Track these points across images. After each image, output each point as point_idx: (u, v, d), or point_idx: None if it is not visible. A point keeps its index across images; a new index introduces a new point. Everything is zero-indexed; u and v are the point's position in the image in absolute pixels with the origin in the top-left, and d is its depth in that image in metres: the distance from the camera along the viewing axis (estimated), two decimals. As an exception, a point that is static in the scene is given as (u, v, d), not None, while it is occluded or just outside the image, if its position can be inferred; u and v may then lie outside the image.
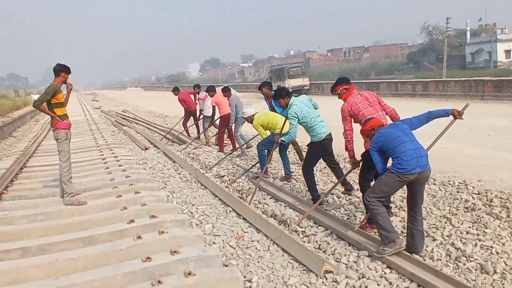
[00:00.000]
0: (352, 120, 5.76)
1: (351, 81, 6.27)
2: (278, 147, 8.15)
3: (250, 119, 8.73)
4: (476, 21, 76.61)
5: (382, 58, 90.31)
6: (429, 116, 5.05)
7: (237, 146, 11.29)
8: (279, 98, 6.97)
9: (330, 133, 6.66)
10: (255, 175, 8.38)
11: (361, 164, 5.58)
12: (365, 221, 5.37)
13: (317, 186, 6.91)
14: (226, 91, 11.54)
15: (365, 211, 5.60)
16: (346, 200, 6.69)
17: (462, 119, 5.12)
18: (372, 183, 5.46)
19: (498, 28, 75.90)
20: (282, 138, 7.01)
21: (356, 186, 6.74)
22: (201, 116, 13.48)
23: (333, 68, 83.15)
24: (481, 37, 65.62)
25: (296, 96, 7.19)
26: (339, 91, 6.02)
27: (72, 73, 6.83)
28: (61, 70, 6.59)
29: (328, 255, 4.97)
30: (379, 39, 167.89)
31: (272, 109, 9.28)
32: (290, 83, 34.14)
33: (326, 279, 4.38)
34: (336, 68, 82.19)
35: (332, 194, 7.03)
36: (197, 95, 13.84)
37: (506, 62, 59.02)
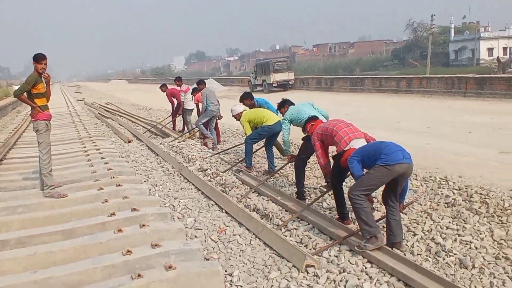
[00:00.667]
0: (325, 145, 5.82)
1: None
2: (265, 140, 8.24)
3: (238, 117, 8.68)
4: (460, 19, 77.45)
5: (367, 54, 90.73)
6: None
7: (205, 135, 11.70)
8: (280, 108, 7.57)
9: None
10: (239, 169, 8.37)
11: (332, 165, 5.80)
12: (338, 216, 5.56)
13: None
14: (200, 84, 11.98)
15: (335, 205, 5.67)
16: (328, 194, 6.70)
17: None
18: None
19: (481, 26, 76.84)
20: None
21: (316, 191, 6.98)
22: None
23: (319, 63, 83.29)
24: (464, 34, 66.36)
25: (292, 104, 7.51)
26: (307, 129, 6.21)
27: (55, 64, 6.68)
28: (33, 60, 6.41)
29: (310, 249, 4.98)
30: (365, 35, 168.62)
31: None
32: (275, 78, 34.07)
33: (308, 273, 4.39)
34: (321, 63, 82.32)
35: (315, 188, 7.07)
36: (178, 87, 13.87)
37: (488, 60, 59.80)
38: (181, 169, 8.91)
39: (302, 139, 6.74)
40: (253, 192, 7.16)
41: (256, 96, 9.70)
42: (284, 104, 7.52)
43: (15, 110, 29.61)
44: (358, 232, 4.91)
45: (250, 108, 9.12)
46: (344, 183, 5.64)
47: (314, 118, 6.32)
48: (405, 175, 4.66)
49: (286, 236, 5.42)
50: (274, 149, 8.57)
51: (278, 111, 7.79)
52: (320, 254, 4.79)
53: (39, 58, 6.39)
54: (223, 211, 6.46)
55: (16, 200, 6.58)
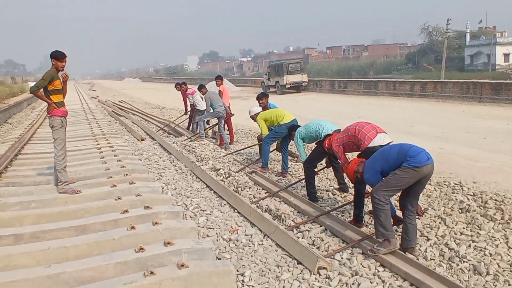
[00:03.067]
0: (347, 149, 5.86)
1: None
2: (280, 141, 8.28)
3: (255, 117, 8.77)
4: (476, 24, 76.69)
5: (381, 57, 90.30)
6: None
7: (200, 132, 12.03)
8: (259, 100, 8.17)
9: (339, 129, 6.62)
10: (253, 170, 8.36)
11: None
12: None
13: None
14: (202, 88, 12.00)
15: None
16: (341, 197, 6.68)
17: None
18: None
19: (498, 31, 76.13)
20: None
21: (329, 194, 6.95)
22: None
23: (332, 65, 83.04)
24: (480, 39, 65.70)
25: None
26: (326, 145, 6.25)
27: (69, 61, 6.72)
28: (52, 56, 6.47)
29: (322, 251, 4.96)
30: (379, 38, 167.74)
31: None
32: (289, 79, 33.96)
33: (320, 275, 4.37)
34: (334, 65, 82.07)
35: (327, 191, 7.03)
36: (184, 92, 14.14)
37: (504, 65, 59.16)
38: (194, 169, 8.93)
39: (316, 143, 6.77)
40: (266, 193, 7.16)
41: (269, 96, 9.70)
42: (291, 131, 7.64)
43: (30, 106, 29.90)
44: (372, 235, 4.88)
45: (262, 108, 9.16)
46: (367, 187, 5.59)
47: (329, 135, 6.41)
48: (428, 176, 4.64)
49: (298, 237, 5.41)
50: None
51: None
52: (332, 257, 4.76)
53: (61, 56, 6.47)
54: (235, 211, 6.46)
55: (30, 195, 6.65)
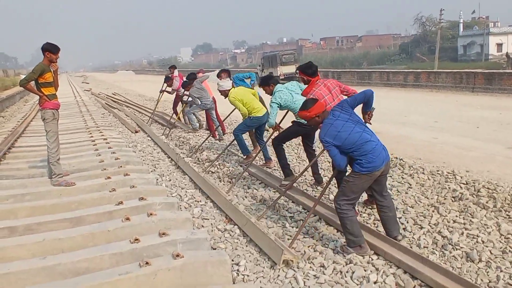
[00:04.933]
0: None
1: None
2: (254, 133, 8.29)
3: (225, 93, 8.19)
4: (470, 14, 76.86)
5: (375, 48, 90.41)
6: (364, 99, 4.69)
7: (193, 123, 12.08)
8: (264, 85, 7.01)
9: None
10: (241, 163, 8.30)
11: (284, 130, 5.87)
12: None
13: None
14: (187, 86, 11.73)
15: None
16: (334, 186, 6.70)
17: (370, 123, 4.82)
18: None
19: (490, 21, 76.27)
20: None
21: (325, 179, 6.92)
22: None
23: (326, 56, 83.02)
24: (473, 29, 65.90)
25: (283, 83, 7.15)
26: (301, 76, 5.81)
27: (62, 54, 6.69)
28: (46, 49, 6.41)
29: (316, 240, 4.99)
30: (372, 29, 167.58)
31: None
32: (282, 70, 33.97)
33: (314, 264, 4.40)
34: (328, 56, 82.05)
35: (322, 176, 7.03)
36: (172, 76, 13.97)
37: (497, 55, 59.35)
38: (178, 160, 8.91)
39: (292, 122, 6.70)
40: (260, 183, 7.18)
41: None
42: (269, 82, 6.99)
43: (22, 99, 29.74)
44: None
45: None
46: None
47: (314, 70, 5.85)
48: (385, 172, 4.57)
49: (292, 227, 5.44)
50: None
51: (261, 87, 7.15)
52: (294, 247, 4.73)
53: (55, 49, 6.45)
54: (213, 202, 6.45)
55: (24, 188, 6.64)
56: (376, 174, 4.42)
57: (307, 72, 5.73)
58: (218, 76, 9.47)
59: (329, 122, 4.44)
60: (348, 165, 4.58)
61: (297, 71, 5.88)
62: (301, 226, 4.90)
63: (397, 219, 4.96)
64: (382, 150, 4.41)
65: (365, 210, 5.68)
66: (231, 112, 9.81)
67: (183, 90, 12.47)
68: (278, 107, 6.72)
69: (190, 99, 12.21)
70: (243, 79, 9.29)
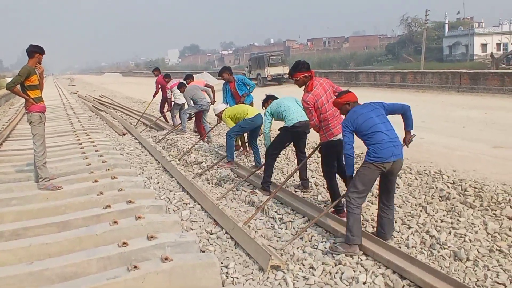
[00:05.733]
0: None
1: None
2: (249, 136, 8.37)
3: (220, 115, 8.52)
4: (455, 14, 77.60)
5: (362, 48, 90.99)
6: (401, 110, 4.99)
7: (183, 126, 11.99)
8: (264, 103, 7.41)
9: (305, 121, 6.42)
10: (220, 166, 8.13)
11: (321, 158, 5.79)
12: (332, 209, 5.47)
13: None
14: (181, 87, 11.99)
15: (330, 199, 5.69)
16: (323, 188, 6.72)
17: (407, 147, 5.03)
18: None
19: (475, 22, 77.10)
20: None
21: (312, 185, 6.98)
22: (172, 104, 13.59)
23: (313, 57, 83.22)
24: (458, 30, 66.60)
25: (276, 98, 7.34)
26: (298, 78, 5.56)
27: (48, 56, 6.67)
28: (35, 51, 6.39)
29: (305, 241, 4.99)
30: (359, 30, 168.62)
31: (231, 95, 9.47)
32: (270, 72, 33.99)
33: (303, 265, 4.41)
34: (315, 57, 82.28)
35: (309, 181, 7.04)
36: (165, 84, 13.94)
37: (482, 55, 60.09)
38: (165, 164, 8.86)
39: (279, 129, 6.78)
40: (248, 185, 7.17)
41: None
42: (267, 100, 7.41)
43: (8, 102, 29.40)
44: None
45: (225, 84, 9.42)
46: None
47: (306, 67, 5.68)
48: (394, 170, 4.64)
49: (281, 228, 5.44)
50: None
51: (262, 107, 7.56)
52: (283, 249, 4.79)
53: (44, 51, 6.50)
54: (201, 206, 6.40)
55: (10, 192, 6.56)
56: (384, 167, 4.48)
57: (304, 67, 5.60)
58: (220, 75, 9.43)
59: (354, 109, 4.75)
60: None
61: (293, 76, 5.65)
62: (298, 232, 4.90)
63: (393, 223, 5.00)
64: (392, 146, 4.49)
65: (367, 221, 5.68)
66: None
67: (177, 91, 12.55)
68: (271, 116, 6.86)
69: (182, 101, 12.25)
70: (244, 84, 9.34)
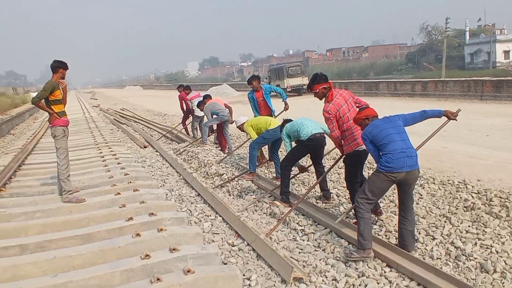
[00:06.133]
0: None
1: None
2: (270, 148, 8.31)
3: (242, 127, 8.71)
4: (475, 22, 76.72)
5: (381, 58, 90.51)
6: (424, 115, 4.96)
7: (204, 139, 12.00)
8: (281, 128, 7.29)
9: (320, 132, 6.54)
10: (241, 178, 8.21)
11: (344, 168, 5.75)
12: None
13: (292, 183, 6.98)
14: (199, 105, 12.17)
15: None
16: (345, 199, 6.67)
17: (456, 120, 5.12)
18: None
19: (497, 29, 76.03)
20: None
21: (333, 196, 6.91)
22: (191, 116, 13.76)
23: (332, 67, 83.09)
24: (480, 37, 65.73)
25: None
26: (317, 90, 5.64)
27: (70, 70, 6.81)
28: (59, 67, 6.56)
29: (328, 253, 4.95)
30: (378, 39, 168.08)
31: (257, 104, 9.36)
32: (289, 83, 34.05)
33: (326, 277, 4.36)
34: (335, 67, 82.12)
35: (331, 192, 7.00)
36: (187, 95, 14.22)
37: (505, 62, 59.18)
38: (186, 176, 8.91)
39: (295, 142, 6.81)
40: (269, 197, 7.16)
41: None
42: (284, 124, 7.31)
43: (32, 116, 30.00)
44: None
45: (254, 91, 9.28)
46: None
47: (324, 79, 5.74)
48: (409, 181, 4.60)
49: (303, 240, 5.40)
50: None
51: (280, 132, 7.50)
52: (306, 261, 4.76)
53: (67, 66, 6.69)
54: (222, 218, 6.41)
55: (35, 205, 6.66)
56: (395, 177, 4.46)
57: (322, 79, 5.68)
58: (250, 83, 9.42)
59: (371, 122, 4.81)
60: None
61: (312, 89, 5.74)
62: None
63: (415, 234, 4.92)
64: (405, 157, 4.46)
65: (377, 221, 5.63)
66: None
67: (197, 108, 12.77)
68: (288, 138, 6.87)
69: (202, 113, 12.40)
70: (269, 93, 9.39)
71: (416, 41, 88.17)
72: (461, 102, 21.34)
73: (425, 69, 61.09)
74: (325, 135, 6.60)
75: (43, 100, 6.54)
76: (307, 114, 6.93)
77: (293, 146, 6.80)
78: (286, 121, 7.41)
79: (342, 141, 5.60)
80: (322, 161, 7.02)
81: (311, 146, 6.60)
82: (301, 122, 6.73)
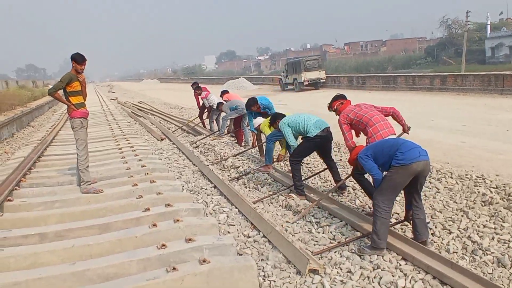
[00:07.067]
0: (353, 131, 5.92)
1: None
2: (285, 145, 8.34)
3: (258, 127, 8.98)
4: (497, 15, 75.38)
5: (400, 52, 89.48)
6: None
7: (219, 130, 12.36)
8: (272, 124, 7.58)
9: (327, 128, 6.56)
10: (256, 170, 8.30)
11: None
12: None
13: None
14: (219, 106, 12.62)
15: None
16: (361, 192, 6.64)
17: (408, 134, 5.67)
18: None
19: (519, 22, 74.54)
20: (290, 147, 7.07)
21: (349, 189, 6.91)
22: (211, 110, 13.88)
23: (350, 61, 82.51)
24: (501, 31, 64.50)
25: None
26: (335, 106, 6.19)
27: (89, 64, 6.79)
28: (72, 58, 6.56)
29: (343, 246, 4.95)
30: (397, 32, 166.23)
31: (255, 115, 9.63)
32: (307, 76, 33.88)
33: (341, 269, 4.37)
34: (352, 61, 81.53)
35: (347, 185, 6.98)
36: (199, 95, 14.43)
37: (527, 56, 58.01)
38: (202, 168, 8.96)
39: (302, 138, 6.79)
40: (285, 189, 7.16)
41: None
42: (275, 120, 7.44)
43: (51, 109, 30.37)
44: (364, 236, 5.02)
45: (258, 113, 9.48)
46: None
47: (342, 97, 6.31)
48: (422, 173, 4.57)
49: (318, 232, 5.41)
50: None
51: (272, 126, 7.80)
52: (321, 256, 4.74)
53: (80, 59, 6.56)
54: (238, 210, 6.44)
55: (54, 195, 6.77)
56: (413, 168, 4.43)
57: (340, 97, 6.28)
58: (249, 108, 9.58)
59: (367, 146, 5.05)
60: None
61: (331, 106, 6.38)
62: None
63: (430, 228, 4.91)
64: (415, 147, 4.52)
65: (392, 215, 5.61)
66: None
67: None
68: (288, 126, 6.85)
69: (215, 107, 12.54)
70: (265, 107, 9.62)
71: (436, 35, 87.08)
72: (481, 97, 21.05)
73: (444, 64, 60.17)
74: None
75: (61, 91, 6.61)
76: (324, 108, 6.89)
77: (299, 143, 6.79)
78: (278, 116, 7.49)
79: (369, 138, 5.60)
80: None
81: (319, 143, 6.60)
82: (307, 118, 6.71)
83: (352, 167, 5.66)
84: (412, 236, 4.79)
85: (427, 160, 4.54)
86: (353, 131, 5.98)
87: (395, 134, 5.59)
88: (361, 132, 5.91)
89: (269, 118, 8.66)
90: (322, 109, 6.99)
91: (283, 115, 7.43)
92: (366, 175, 5.56)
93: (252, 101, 9.53)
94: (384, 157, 4.61)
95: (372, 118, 5.57)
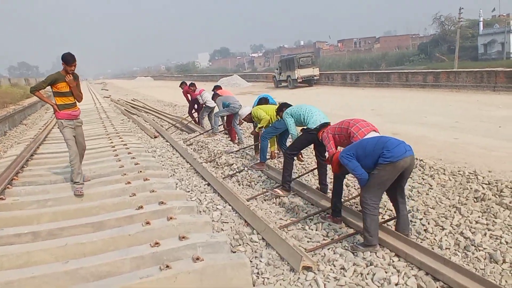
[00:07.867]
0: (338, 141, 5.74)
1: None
2: (278, 139, 8.42)
3: (247, 118, 8.99)
4: (490, 12, 75.73)
5: (393, 49, 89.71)
6: None
7: (213, 128, 12.24)
8: (279, 112, 7.49)
9: (328, 122, 6.50)
10: (250, 167, 8.29)
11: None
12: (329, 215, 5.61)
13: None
14: (214, 97, 12.43)
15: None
16: (355, 189, 6.66)
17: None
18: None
19: (511, 19, 74.91)
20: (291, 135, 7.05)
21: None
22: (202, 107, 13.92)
23: (343, 58, 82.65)
24: (494, 28, 64.80)
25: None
26: (320, 136, 6.07)
27: (82, 62, 6.71)
28: (61, 59, 6.44)
29: (336, 243, 4.96)
30: (390, 29, 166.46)
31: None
32: (300, 73, 33.88)
33: (334, 266, 4.38)
34: (346, 58, 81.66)
35: (327, 186, 6.94)
36: (192, 93, 14.55)
37: (519, 53, 58.31)
38: (196, 165, 8.95)
39: (301, 130, 6.76)
40: (278, 186, 7.17)
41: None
42: (282, 108, 7.40)
43: (44, 107, 30.18)
44: (356, 233, 5.05)
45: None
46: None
47: (325, 125, 6.30)
48: (410, 167, 4.65)
49: (311, 229, 5.42)
50: None
51: (277, 116, 7.79)
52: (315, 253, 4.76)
53: (69, 61, 6.36)
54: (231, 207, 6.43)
55: (46, 193, 6.74)
56: (401, 164, 4.48)
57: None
58: (245, 120, 9.59)
59: (347, 147, 4.99)
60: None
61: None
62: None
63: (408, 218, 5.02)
64: (400, 143, 4.56)
65: (386, 211, 5.63)
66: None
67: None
68: (291, 116, 6.83)
69: (213, 104, 12.53)
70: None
71: (429, 32, 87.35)
72: (473, 93, 21.14)
73: (437, 60, 60.41)
74: None
75: (42, 90, 6.45)
76: (318, 105, 6.92)
77: (299, 135, 6.78)
78: (285, 105, 7.45)
79: (352, 138, 5.59)
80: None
81: (318, 137, 6.55)
82: (309, 109, 6.67)
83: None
84: (396, 229, 4.85)
85: (413, 155, 4.61)
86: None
87: (378, 132, 5.53)
88: (345, 140, 5.78)
89: (262, 105, 8.80)
90: (316, 106, 6.98)
91: (290, 105, 7.40)
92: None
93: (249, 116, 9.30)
94: (368, 156, 4.60)
95: (352, 120, 5.55)
